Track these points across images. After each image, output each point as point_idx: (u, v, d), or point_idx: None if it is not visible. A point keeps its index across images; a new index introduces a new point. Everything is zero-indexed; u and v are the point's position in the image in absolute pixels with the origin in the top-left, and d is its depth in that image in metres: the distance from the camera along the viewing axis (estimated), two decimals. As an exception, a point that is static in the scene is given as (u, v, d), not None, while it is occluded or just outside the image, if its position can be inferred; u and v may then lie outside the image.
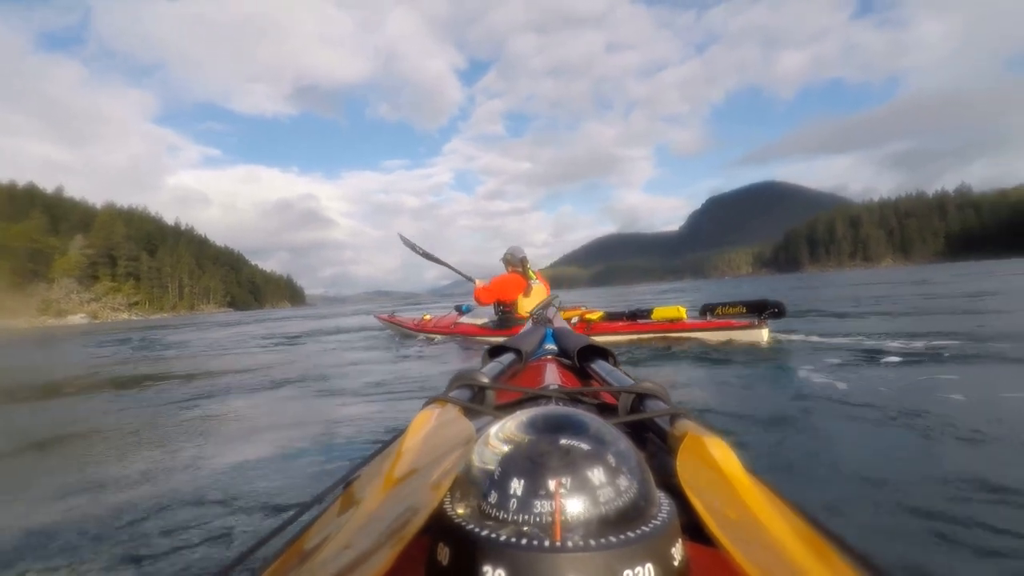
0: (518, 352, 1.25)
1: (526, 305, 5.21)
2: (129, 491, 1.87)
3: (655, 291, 30.31)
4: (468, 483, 0.35)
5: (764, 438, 2.10)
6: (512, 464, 0.34)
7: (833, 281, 28.56)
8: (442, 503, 0.36)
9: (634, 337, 4.91)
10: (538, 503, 0.32)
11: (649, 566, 0.31)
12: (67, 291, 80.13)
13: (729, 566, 0.35)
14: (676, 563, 0.32)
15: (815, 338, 4.73)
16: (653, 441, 0.69)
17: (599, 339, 3.84)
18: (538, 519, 0.31)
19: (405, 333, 7.24)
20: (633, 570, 0.30)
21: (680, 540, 0.34)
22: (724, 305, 4.79)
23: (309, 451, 2.18)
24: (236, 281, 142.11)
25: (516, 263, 5.48)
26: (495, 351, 1.26)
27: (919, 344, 4.06)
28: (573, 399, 0.85)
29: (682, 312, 4.86)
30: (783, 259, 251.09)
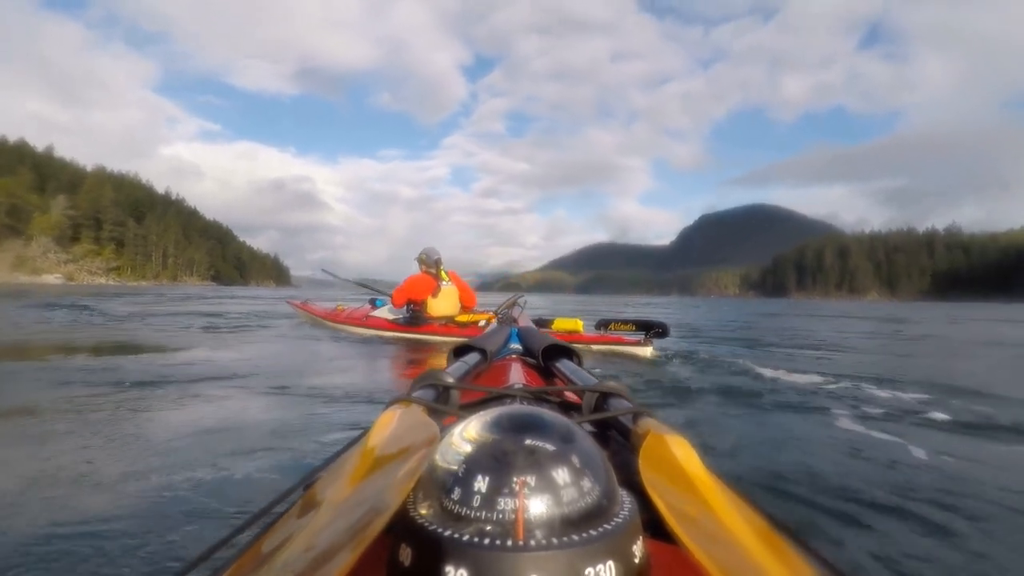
0: (483, 352, 1.25)
1: (435, 306, 5.50)
2: (58, 488, 1.70)
3: (637, 303, 30.32)
4: (431, 483, 0.35)
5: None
6: (475, 463, 0.34)
7: (816, 309, 28.82)
8: (405, 503, 0.36)
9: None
10: (501, 502, 0.32)
11: (611, 564, 0.31)
12: (44, 250, 78.42)
13: (689, 563, 0.35)
14: (637, 560, 0.33)
15: (705, 356, 5.39)
16: (616, 439, 0.69)
17: None
18: (501, 518, 0.31)
19: (317, 322, 7.29)
20: (595, 568, 0.30)
21: (641, 538, 0.34)
22: (618, 322, 5.22)
23: (265, 449, 2.06)
24: (222, 256, 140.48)
25: (430, 264, 5.66)
26: (460, 350, 1.25)
27: (814, 376, 4.37)
28: (537, 398, 0.85)
29: (579, 325, 5.21)
30: (770, 283, 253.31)
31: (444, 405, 0.74)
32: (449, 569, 0.30)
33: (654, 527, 0.41)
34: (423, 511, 0.34)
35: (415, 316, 5.66)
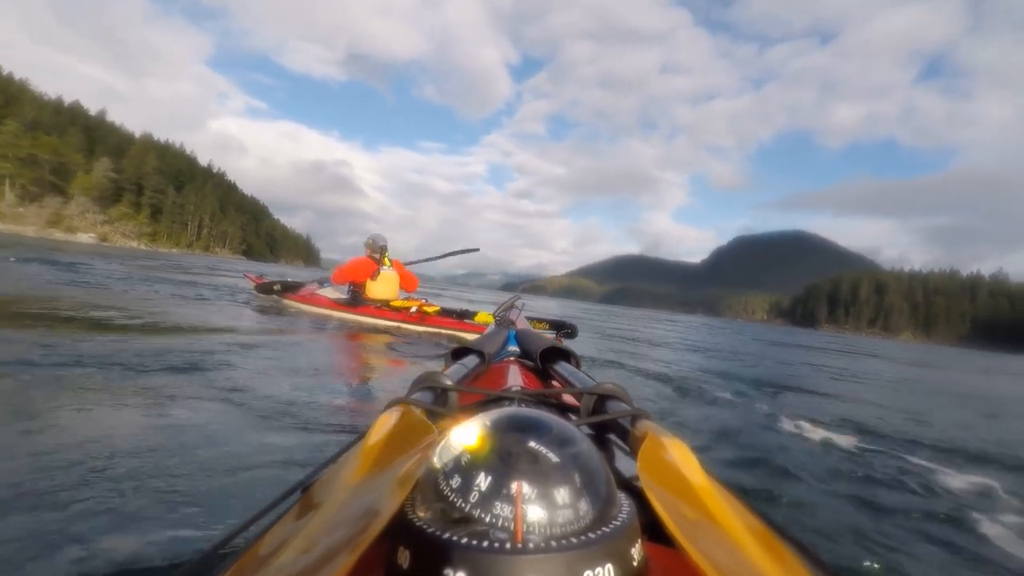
0: (481, 354, 1.25)
1: (374, 288, 5.79)
2: (52, 483, 1.61)
3: (658, 319, 29.50)
4: (429, 485, 0.35)
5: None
6: (474, 466, 0.34)
7: (851, 345, 27.58)
8: (403, 506, 0.36)
9: (454, 333, 5.42)
10: (499, 505, 0.32)
11: (609, 566, 0.31)
12: (82, 209, 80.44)
13: (687, 566, 0.35)
14: (635, 563, 0.33)
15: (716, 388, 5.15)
16: (614, 442, 0.69)
17: (430, 330, 4.98)
18: (499, 521, 0.31)
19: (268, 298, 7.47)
20: (593, 571, 0.30)
21: (640, 540, 0.35)
22: (535, 320, 5.19)
23: (264, 450, 2.00)
24: (255, 231, 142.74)
25: (375, 249, 5.98)
26: (458, 353, 1.25)
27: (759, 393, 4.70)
28: (536, 401, 0.85)
29: (489, 318, 5.26)
30: (800, 313, 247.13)
31: (442, 407, 0.73)
32: (448, 572, 0.30)
33: (652, 530, 0.41)
34: (421, 513, 0.34)
35: (354, 297, 5.96)
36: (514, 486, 0.32)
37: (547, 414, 0.40)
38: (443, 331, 5.51)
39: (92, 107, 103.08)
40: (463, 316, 5.62)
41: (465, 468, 0.34)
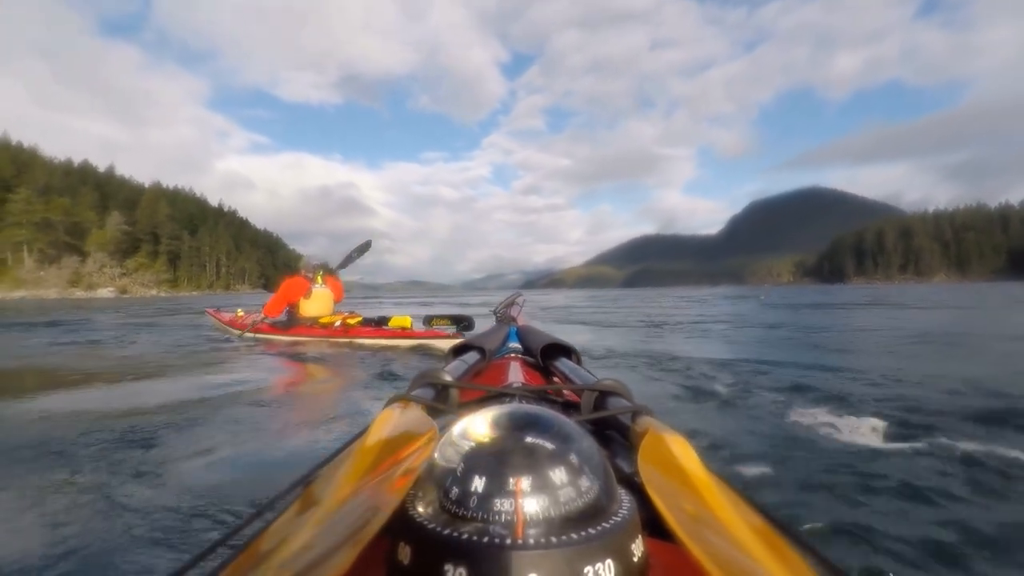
0: (482, 350, 1.25)
1: (307, 307, 6.03)
2: (65, 494, 1.73)
3: (688, 298, 28.60)
4: (430, 482, 0.35)
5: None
6: (475, 462, 0.34)
7: (883, 297, 26.47)
8: (404, 502, 0.36)
9: (380, 342, 5.66)
10: (500, 501, 0.32)
11: (609, 562, 0.31)
12: (99, 265, 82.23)
13: (688, 561, 0.35)
14: (636, 559, 0.33)
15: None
16: (615, 438, 0.70)
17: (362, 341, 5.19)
18: (500, 517, 0.31)
19: (221, 327, 7.65)
20: (594, 566, 0.30)
21: (640, 536, 0.35)
22: (438, 317, 5.57)
23: (266, 450, 2.12)
24: (272, 263, 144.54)
25: (310, 269, 6.27)
26: (459, 349, 1.26)
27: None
28: (537, 397, 0.86)
29: (408, 322, 5.72)
30: (827, 269, 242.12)
31: (443, 404, 0.74)
32: (448, 567, 0.30)
33: (653, 526, 0.41)
34: (422, 509, 0.34)
35: (289, 317, 6.19)
36: (514, 482, 0.32)
37: (548, 410, 0.40)
38: (365, 341, 5.78)
39: (100, 163, 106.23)
40: (380, 323, 5.90)
41: (466, 464, 0.34)
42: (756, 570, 0.36)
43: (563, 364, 1.16)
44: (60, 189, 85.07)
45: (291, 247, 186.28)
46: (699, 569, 0.33)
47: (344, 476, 0.48)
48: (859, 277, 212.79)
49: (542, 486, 0.32)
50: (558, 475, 0.33)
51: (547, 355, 1.28)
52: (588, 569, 0.30)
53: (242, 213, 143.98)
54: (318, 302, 6.22)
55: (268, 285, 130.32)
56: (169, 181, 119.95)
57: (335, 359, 5.13)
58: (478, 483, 0.33)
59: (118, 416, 2.77)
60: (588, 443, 0.37)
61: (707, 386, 3.73)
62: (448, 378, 0.80)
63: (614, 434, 0.70)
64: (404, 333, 5.68)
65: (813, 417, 2.83)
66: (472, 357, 1.19)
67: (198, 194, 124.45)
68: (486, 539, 0.30)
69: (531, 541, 0.30)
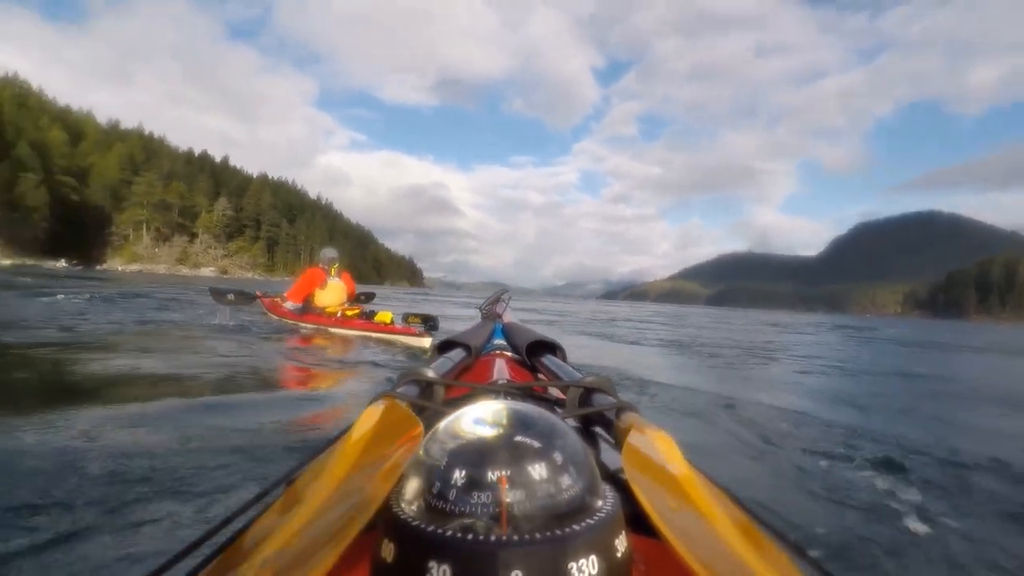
0: (467, 347, 1.25)
1: (321, 297, 6.51)
2: (28, 485, 1.62)
3: (769, 322, 25.46)
4: (415, 479, 0.35)
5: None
6: (459, 459, 0.34)
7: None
8: (388, 499, 0.36)
9: (362, 333, 6.06)
10: (484, 497, 0.32)
11: (593, 558, 0.31)
12: (205, 246, 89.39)
13: (671, 557, 0.35)
14: (620, 554, 0.33)
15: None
16: (600, 434, 0.70)
17: (349, 333, 5.93)
18: (484, 513, 0.31)
19: (262, 310, 7.90)
20: (577, 562, 0.30)
21: (624, 532, 0.34)
22: (414, 315, 6.10)
23: (249, 445, 2.05)
24: (362, 256, 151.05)
25: (325, 262, 6.68)
26: (444, 346, 1.26)
27: None
28: (522, 394, 0.85)
29: (390, 317, 6.12)
30: (942, 302, 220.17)
31: (428, 401, 0.74)
32: (432, 564, 0.30)
33: (637, 522, 0.41)
34: (406, 507, 0.34)
35: (305, 304, 6.62)
36: (499, 479, 0.32)
37: (533, 407, 0.40)
38: (370, 333, 6.17)
39: (217, 154, 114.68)
40: (369, 317, 6.29)
41: (450, 461, 0.34)
42: (738, 565, 0.37)
43: (549, 361, 1.15)
44: (181, 175, 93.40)
45: (381, 242, 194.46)
46: (682, 565, 0.34)
47: (328, 473, 0.48)
48: (981, 314, 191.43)
49: (526, 482, 0.32)
50: (542, 471, 0.33)
51: (533, 352, 1.27)
52: (572, 565, 0.30)
53: (337, 206, 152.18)
54: (331, 293, 6.67)
55: (356, 277, 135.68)
56: (275, 173, 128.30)
57: (333, 348, 5.43)
58: (462, 480, 0.33)
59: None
60: (573, 439, 0.37)
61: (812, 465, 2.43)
62: (433, 375, 0.80)
63: (599, 430, 0.70)
64: (384, 328, 6.06)
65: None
66: (458, 354, 1.18)
67: (299, 186, 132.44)
68: (470, 536, 0.31)
69: (515, 537, 0.30)
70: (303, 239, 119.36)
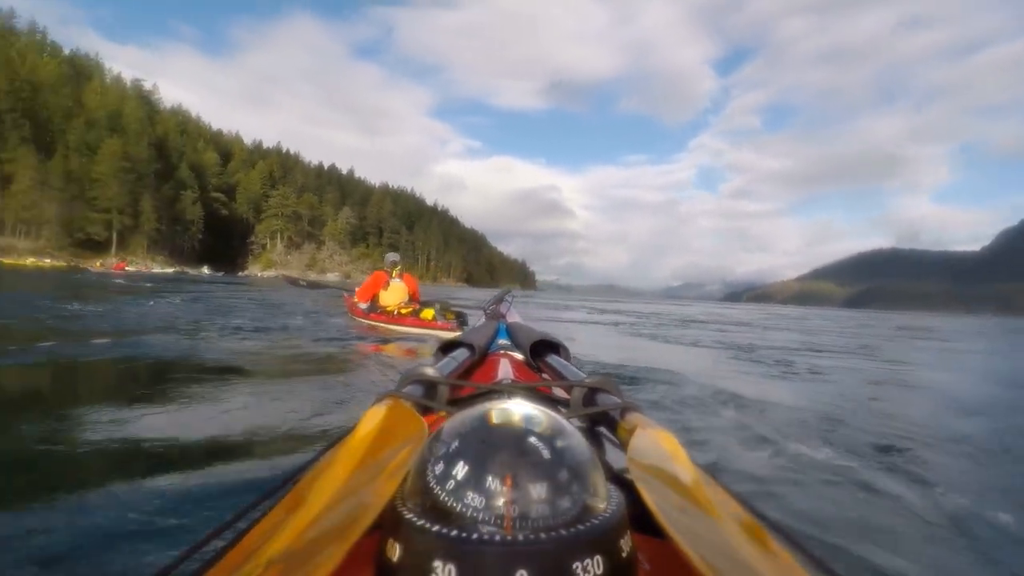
0: (471, 347, 1.25)
1: (384, 297, 7.15)
2: (36, 480, 1.68)
3: (923, 328, 19.41)
4: (419, 478, 0.35)
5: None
6: (464, 459, 0.34)
7: None
8: (393, 499, 0.36)
9: (409, 329, 6.53)
10: (489, 497, 0.32)
11: (598, 558, 0.31)
12: (330, 252, 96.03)
13: (676, 557, 0.35)
14: (625, 554, 0.33)
15: None
16: (604, 434, 0.70)
17: (401, 329, 6.41)
18: (489, 513, 0.31)
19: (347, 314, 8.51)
20: (583, 562, 0.30)
21: (629, 532, 0.35)
22: (450, 311, 6.75)
23: (254, 444, 2.08)
24: (476, 260, 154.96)
25: (388, 265, 7.30)
26: (448, 346, 1.26)
27: None
28: (526, 393, 0.85)
29: (431, 314, 6.67)
30: None
31: (432, 400, 0.74)
32: (437, 564, 0.30)
33: (642, 521, 0.41)
34: (411, 507, 0.34)
35: (372, 304, 7.13)
36: (504, 478, 0.32)
37: (537, 407, 0.39)
38: (405, 328, 6.56)
39: (343, 167, 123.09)
40: (416, 314, 6.71)
41: (454, 461, 0.34)
42: (744, 565, 0.36)
43: (553, 360, 1.15)
44: (312, 188, 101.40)
45: (494, 245, 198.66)
46: (687, 564, 0.33)
47: (333, 473, 0.48)
48: None
49: (531, 482, 0.32)
50: (547, 471, 0.33)
51: (537, 351, 1.27)
52: (577, 565, 0.30)
53: (453, 212, 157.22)
54: (392, 293, 7.12)
55: (470, 280, 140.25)
56: (395, 182, 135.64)
57: (380, 342, 5.79)
58: (467, 480, 0.33)
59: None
60: (578, 439, 0.37)
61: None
62: (437, 375, 0.80)
63: (603, 430, 0.71)
64: (426, 323, 6.50)
65: None
66: (462, 354, 1.18)
67: (417, 194, 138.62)
68: (475, 535, 0.30)
69: (520, 537, 0.30)
70: (420, 244, 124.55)
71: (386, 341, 5.87)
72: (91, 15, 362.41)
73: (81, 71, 71.65)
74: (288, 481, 0.55)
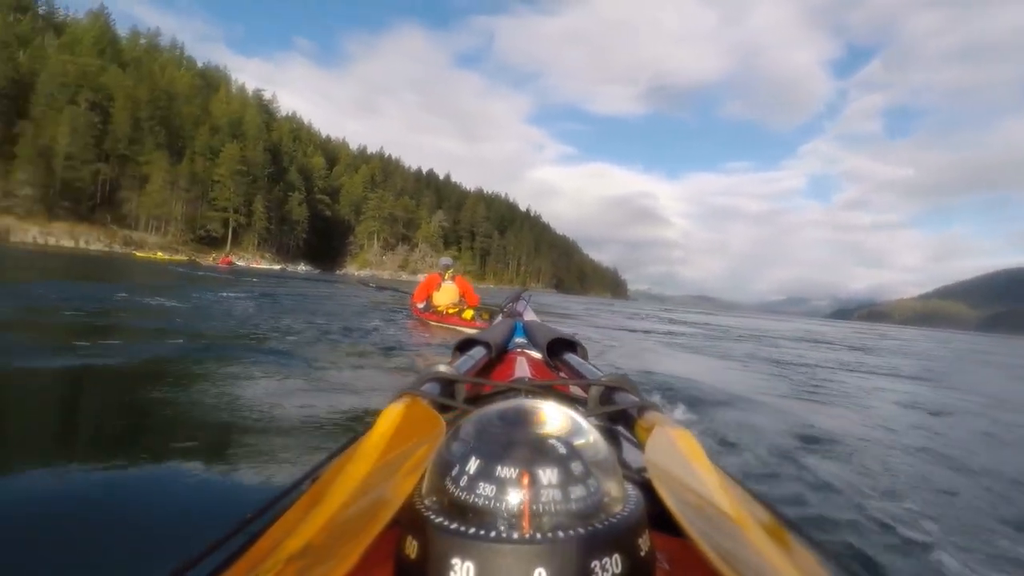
0: (488, 345, 1.25)
1: (437, 298, 7.82)
2: (58, 475, 1.67)
3: None
4: (437, 476, 0.35)
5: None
6: (482, 457, 0.34)
7: None
8: (411, 496, 0.36)
9: (451, 327, 7.12)
10: (507, 495, 0.32)
11: (617, 556, 0.31)
12: (422, 254, 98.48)
13: (695, 556, 0.35)
14: (643, 553, 0.33)
15: None
16: (622, 433, 0.70)
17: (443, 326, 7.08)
18: (507, 511, 0.31)
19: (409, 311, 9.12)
20: (601, 561, 0.30)
21: (647, 531, 0.34)
22: (486, 311, 7.15)
23: (276, 442, 2.12)
24: (566, 267, 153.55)
25: (440, 269, 8.04)
26: (465, 344, 1.27)
27: None
28: (543, 392, 0.85)
29: (470, 314, 7.28)
30: None
31: (450, 399, 0.74)
32: (456, 561, 0.30)
33: (660, 520, 0.41)
34: (429, 504, 0.34)
35: (427, 304, 7.97)
36: (521, 477, 0.32)
37: (555, 405, 0.39)
38: (448, 326, 7.28)
39: (441, 172, 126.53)
40: (459, 314, 7.36)
41: (472, 459, 0.34)
42: (764, 565, 0.36)
43: (570, 359, 1.15)
44: (410, 191, 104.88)
45: (586, 252, 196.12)
46: (706, 564, 0.33)
47: (352, 471, 0.49)
48: None
49: (549, 481, 0.32)
50: (565, 470, 0.33)
51: (553, 350, 1.27)
52: (595, 563, 0.30)
53: (545, 218, 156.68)
54: (444, 294, 7.69)
55: (560, 286, 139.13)
56: (490, 187, 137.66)
57: (429, 337, 6.21)
58: (485, 478, 0.33)
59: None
60: (595, 438, 0.37)
61: None
62: (454, 373, 0.80)
63: (621, 429, 0.70)
64: (466, 323, 6.99)
65: None
66: (479, 352, 1.19)
67: (511, 199, 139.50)
68: (493, 533, 0.31)
69: (538, 535, 0.30)
70: (512, 249, 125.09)
71: (431, 337, 6.34)
72: (226, 32, 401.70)
73: (211, 82, 78.69)
74: (307, 478, 0.56)
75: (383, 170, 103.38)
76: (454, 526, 0.31)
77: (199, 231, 66.11)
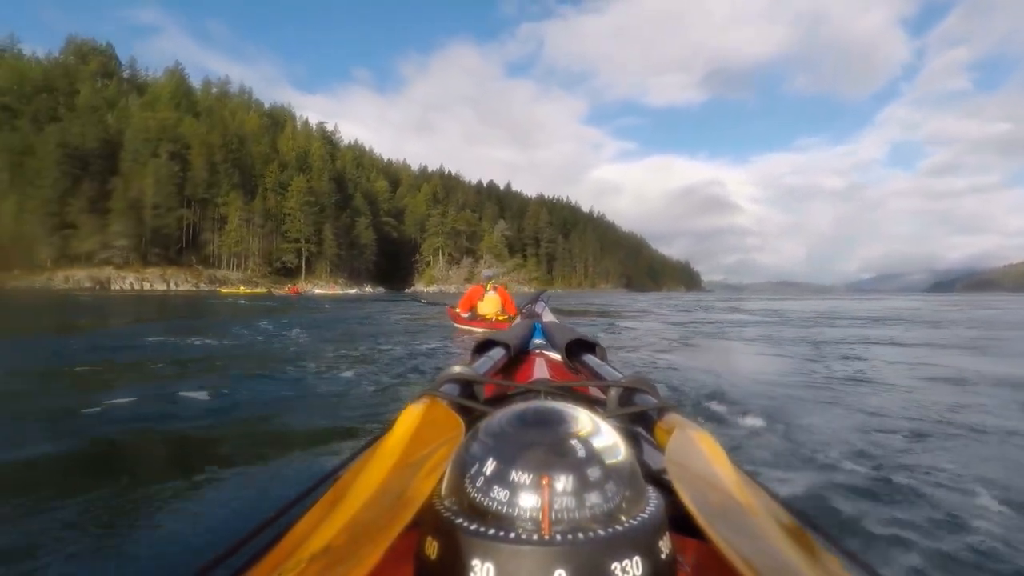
0: (507, 347, 1.26)
1: (480, 307, 8.27)
2: (92, 479, 1.76)
3: None
4: (457, 477, 0.35)
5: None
6: (501, 458, 0.34)
7: None
8: (431, 497, 0.36)
9: (483, 328, 7.45)
10: (527, 497, 0.32)
11: (637, 559, 0.31)
12: (486, 265, 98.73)
13: (716, 558, 0.35)
14: (664, 556, 0.33)
15: None
16: (642, 435, 0.70)
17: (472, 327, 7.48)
18: (527, 513, 0.31)
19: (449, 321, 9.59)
20: (621, 563, 0.30)
21: (668, 533, 0.34)
22: (521, 309, 6.87)
23: (297, 445, 2.19)
24: (635, 264, 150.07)
25: (483, 280, 8.58)
26: (484, 345, 1.26)
27: None
28: (562, 393, 0.85)
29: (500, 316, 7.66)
30: None
31: (469, 399, 0.74)
32: (475, 563, 0.30)
33: (681, 522, 0.41)
34: (449, 505, 0.34)
35: (472, 314, 8.44)
36: (541, 478, 0.32)
37: (574, 407, 0.39)
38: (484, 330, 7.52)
39: (501, 182, 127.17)
40: (502, 321, 7.69)
41: (492, 460, 0.34)
42: (786, 568, 0.36)
43: (589, 360, 1.14)
44: (472, 204, 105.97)
45: (655, 248, 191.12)
46: (728, 566, 0.33)
47: (371, 471, 0.50)
48: None
49: (569, 482, 0.32)
50: (585, 471, 0.33)
51: (572, 351, 1.26)
52: (615, 566, 0.30)
53: (609, 217, 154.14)
54: (488, 304, 8.06)
55: (630, 284, 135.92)
56: (551, 192, 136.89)
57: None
58: (505, 479, 0.33)
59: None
60: (614, 439, 0.37)
61: None
62: (474, 374, 0.80)
63: (641, 430, 0.70)
64: (499, 324, 7.42)
65: None
66: (498, 353, 1.19)
67: (573, 202, 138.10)
68: (513, 535, 0.31)
69: (558, 537, 0.30)
70: (577, 252, 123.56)
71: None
72: (288, 73, 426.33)
73: (277, 120, 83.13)
74: (327, 479, 0.56)
75: (444, 186, 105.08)
76: (474, 527, 0.31)
77: (275, 263, 69.55)
